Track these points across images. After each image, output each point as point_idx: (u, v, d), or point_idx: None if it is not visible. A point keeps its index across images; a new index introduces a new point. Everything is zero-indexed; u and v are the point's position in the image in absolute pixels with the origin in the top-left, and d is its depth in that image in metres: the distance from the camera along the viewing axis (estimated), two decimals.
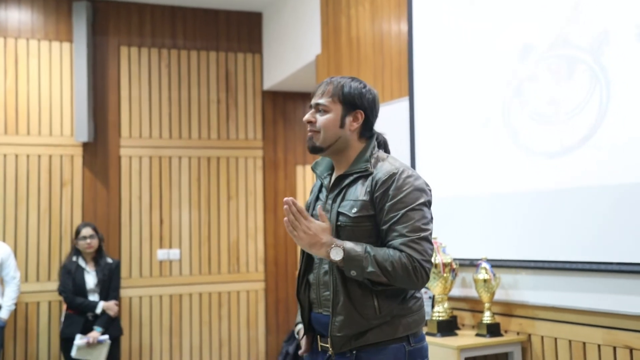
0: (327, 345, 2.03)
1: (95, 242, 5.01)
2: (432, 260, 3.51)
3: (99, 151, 6.10)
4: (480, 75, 3.70)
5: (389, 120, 4.42)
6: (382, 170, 2.02)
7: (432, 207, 2.05)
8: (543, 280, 3.29)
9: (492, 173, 3.59)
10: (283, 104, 6.76)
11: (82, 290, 4.87)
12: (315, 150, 2.10)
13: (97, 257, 5.02)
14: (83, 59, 5.89)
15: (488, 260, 3.48)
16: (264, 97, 6.69)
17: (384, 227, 1.97)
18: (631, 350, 2.87)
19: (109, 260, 5.08)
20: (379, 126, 4.55)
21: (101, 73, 6.16)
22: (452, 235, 3.75)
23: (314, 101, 2.12)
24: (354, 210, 2.00)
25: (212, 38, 6.53)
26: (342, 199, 2.04)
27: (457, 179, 3.80)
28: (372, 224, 2.00)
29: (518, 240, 3.43)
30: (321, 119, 2.09)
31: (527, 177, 3.37)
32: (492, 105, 3.61)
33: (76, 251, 5.02)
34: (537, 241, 3.31)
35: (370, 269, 1.90)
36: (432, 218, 2.03)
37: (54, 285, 5.69)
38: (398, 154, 4.21)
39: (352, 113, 2.09)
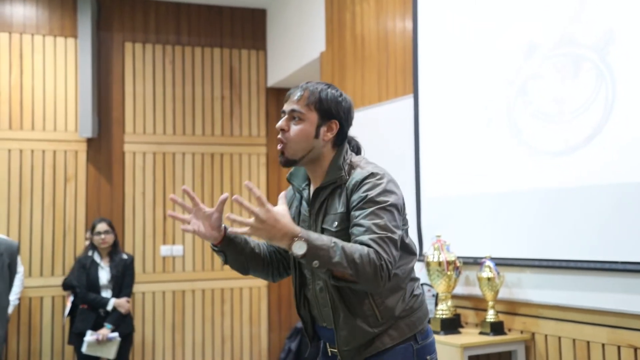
0: (337, 350, 2.01)
1: (110, 238, 4.95)
2: (436, 259, 3.54)
3: (103, 147, 6.11)
4: (485, 73, 3.69)
5: (394, 118, 4.42)
6: (355, 176, 1.94)
7: (402, 211, 1.95)
8: (547, 279, 3.29)
9: (496, 171, 3.58)
10: None
11: (95, 286, 4.85)
12: (287, 163, 2.01)
13: (112, 252, 4.99)
14: (87, 54, 5.90)
15: (492, 259, 3.48)
16: (267, 94, 6.69)
17: (353, 221, 1.88)
18: (635, 349, 2.87)
19: (124, 256, 5.04)
20: (383, 124, 4.55)
21: (105, 69, 6.17)
22: (456, 233, 3.74)
23: (288, 107, 2.01)
24: (335, 224, 1.93)
25: (216, 35, 6.53)
26: (325, 214, 1.98)
27: (462, 177, 3.80)
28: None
29: (522, 239, 3.42)
30: (295, 129, 1.99)
31: (531, 175, 3.36)
32: (496, 104, 3.60)
33: (92, 246, 4.99)
34: (541, 240, 3.30)
35: (336, 259, 1.74)
36: (401, 226, 1.93)
37: (58, 280, 5.70)
38: (402, 152, 4.23)
39: (327, 123, 2.00)
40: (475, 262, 3.62)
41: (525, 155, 3.41)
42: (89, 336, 4.71)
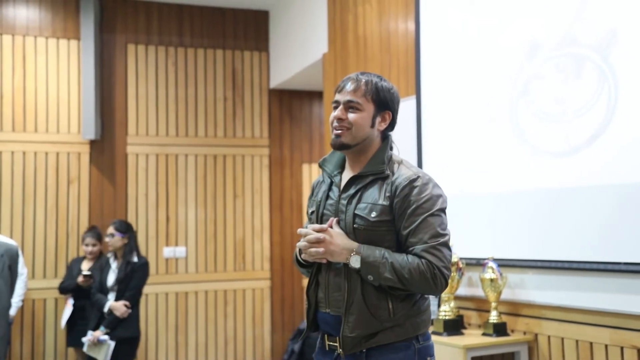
0: (336, 344, 2.03)
1: (116, 241, 4.89)
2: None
3: (105, 149, 6.12)
4: (487, 73, 3.69)
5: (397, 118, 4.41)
6: (401, 175, 2.01)
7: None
8: (550, 280, 3.28)
9: (498, 172, 3.58)
10: (289, 102, 6.77)
11: (103, 287, 4.86)
12: (342, 147, 2.06)
13: (125, 255, 4.94)
14: (90, 56, 5.90)
15: (495, 260, 3.48)
16: (270, 95, 6.69)
17: (404, 232, 1.97)
18: (638, 350, 2.86)
19: (135, 259, 4.96)
20: None
21: (108, 71, 6.17)
22: (458, 234, 3.73)
23: (343, 98, 2.07)
24: (374, 214, 1.99)
25: (218, 36, 6.54)
26: (359, 201, 2.03)
27: (464, 178, 3.79)
28: (388, 229, 2.00)
29: (525, 240, 3.42)
30: (354, 116, 2.04)
31: (533, 176, 3.36)
32: (498, 104, 3.60)
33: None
34: (544, 240, 3.30)
35: (387, 275, 1.91)
36: (447, 225, 2.03)
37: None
38: (405, 153, 4.20)
39: (381, 113, 2.08)
40: (478, 263, 3.61)
41: (527, 156, 3.40)
42: (85, 337, 4.72)
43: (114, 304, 4.74)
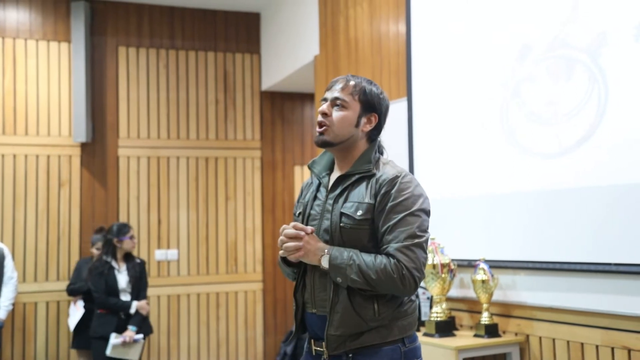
0: (322, 349, 2.03)
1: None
2: (430, 262, 3.54)
3: (97, 151, 6.10)
4: (478, 76, 3.70)
5: (388, 120, 4.41)
6: (385, 173, 2.02)
7: (430, 216, 2.04)
8: (541, 281, 3.30)
9: (490, 174, 3.59)
10: (281, 105, 6.77)
11: (114, 290, 4.89)
12: (324, 144, 2.08)
13: (128, 257, 5.02)
14: (81, 59, 5.89)
15: (486, 261, 3.49)
16: (262, 97, 6.69)
17: (382, 228, 1.97)
18: (629, 350, 2.88)
19: (137, 260, 5.09)
20: None
21: (99, 73, 6.16)
22: (450, 236, 3.75)
23: (331, 95, 2.09)
24: (360, 212, 1.99)
25: (210, 38, 6.53)
26: (345, 200, 2.04)
27: (455, 180, 3.80)
28: (373, 227, 2.01)
29: (516, 241, 3.43)
30: (338, 114, 2.06)
31: (525, 177, 3.37)
32: (490, 106, 3.61)
33: (111, 251, 4.96)
34: (535, 242, 3.31)
35: (353, 277, 1.91)
36: (428, 227, 2.03)
37: (52, 285, 5.69)
38: (396, 155, 4.23)
39: (367, 115, 2.10)
40: (470, 265, 3.62)
41: (518, 157, 3.42)
42: (114, 339, 4.76)
43: (139, 304, 4.93)
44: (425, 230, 1.98)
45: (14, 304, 5.29)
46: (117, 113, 6.19)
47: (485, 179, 3.61)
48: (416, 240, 1.93)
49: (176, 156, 6.34)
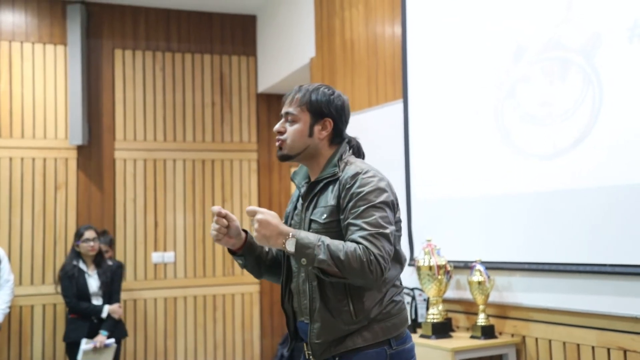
0: (309, 344, 2.05)
1: (97, 245, 4.97)
2: (426, 263, 3.55)
3: (93, 154, 6.09)
4: (473, 77, 3.71)
5: (384, 123, 4.43)
6: (347, 172, 2.02)
7: (395, 211, 2.02)
8: (537, 282, 3.30)
9: (485, 175, 3.59)
10: (277, 107, 6.76)
11: (85, 294, 4.84)
12: (283, 158, 2.11)
13: (98, 259, 4.99)
14: (77, 62, 5.88)
15: (482, 263, 3.49)
16: (258, 99, 6.69)
17: (345, 222, 1.96)
18: (625, 351, 2.88)
19: (109, 262, 5.06)
20: (373, 129, 4.56)
21: (95, 76, 6.15)
22: (446, 237, 3.75)
23: (283, 110, 2.12)
24: (324, 216, 2.00)
25: (206, 41, 6.53)
26: (315, 207, 2.05)
27: (451, 181, 3.81)
28: (340, 227, 2.00)
29: (512, 242, 3.43)
30: (290, 129, 2.09)
31: (520, 179, 3.38)
32: (485, 107, 3.62)
33: (77, 254, 4.95)
34: (531, 243, 3.31)
35: (321, 256, 1.84)
36: (396, 222, 2.01)
37: (49, 288, 5.68)
38: (392, 157, 4.24)
39: (320, 122, 2.09)
40: (466, 266, 3.62)
41: (514, 159, 3.42)
42: (85, 344, 4.71)
43: (111, 308, 4.83)
44: (390, 223, 1.95)
45: (10, 307, 5.27)
46: (113, 116, 6.19)
47: (481, 180, 3.62)
48: (381, 230, 1.90)
49: (172, 159, 6.34)
